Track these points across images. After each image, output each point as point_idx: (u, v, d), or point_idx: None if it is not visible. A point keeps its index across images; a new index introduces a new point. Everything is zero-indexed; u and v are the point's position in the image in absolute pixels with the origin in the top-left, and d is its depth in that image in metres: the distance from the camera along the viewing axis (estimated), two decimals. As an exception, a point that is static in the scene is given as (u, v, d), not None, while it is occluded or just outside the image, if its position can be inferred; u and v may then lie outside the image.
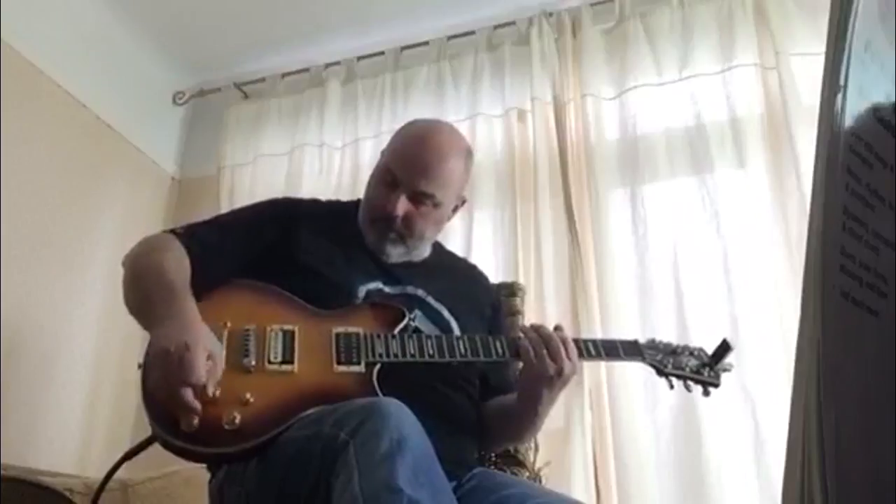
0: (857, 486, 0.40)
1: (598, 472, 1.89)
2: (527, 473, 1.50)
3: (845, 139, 0.44)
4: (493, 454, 1.50)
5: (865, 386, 0.43)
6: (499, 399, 1.37)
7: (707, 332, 1.91)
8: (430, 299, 1.34)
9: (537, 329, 1.23)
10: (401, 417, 0.92)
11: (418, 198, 1.32)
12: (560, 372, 1.19)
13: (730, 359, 1.33)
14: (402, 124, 1.50)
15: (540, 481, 1.51)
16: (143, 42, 2.76)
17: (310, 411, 1.05)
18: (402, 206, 1.31)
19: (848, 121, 0.44)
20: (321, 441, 0.94)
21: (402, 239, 1.34)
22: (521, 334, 1.23)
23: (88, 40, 2.57)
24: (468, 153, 1.41)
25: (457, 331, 1.33)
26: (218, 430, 1.02)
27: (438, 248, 1.51)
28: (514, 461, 1.51)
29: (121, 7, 2.61)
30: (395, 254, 1.36)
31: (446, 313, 1.34)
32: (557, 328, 1.24)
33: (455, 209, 1.43)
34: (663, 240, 2.09)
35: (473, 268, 1.59)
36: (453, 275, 1.48)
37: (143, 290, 1.17)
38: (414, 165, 1.32)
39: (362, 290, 1.28)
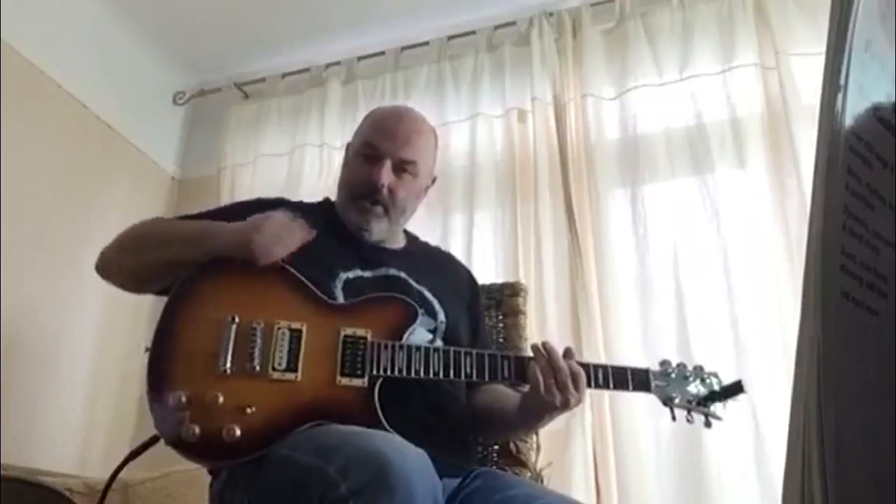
0: (857, 486, 0.40)
1: (598, 473, 1.89)
2: (528, 473, 1.50)
3: (846, 139, 0.44)
4: (494, 455, 1.50)
5: (865, 386, 0.43)
6: (490, 394, 1.36)
7: (707, 332, 1.92)
8: (411, 280, 1.34)
9: (550, 355, 1.19)
10: (409, 495, 0.87)
11: (401, 166, 1.35)
12: (566, 403, 1.18)
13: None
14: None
15: (542, 482, 1.51)
16: (143, 42, 2.76)
17: (308, 425, 1.06)
18: (387, 175, 1.34)
19: (848, 120, 0.44)
20: (324, 482, 0.91)
21: (385, 212, 1.36)
22: (532, 355, 1.20)
23: (88, 40, 2.57)
24: (436, 134, 1.49)
25: (441, 312, 1.34)
26: (217, 442, 1.04)
27: (412, 237, 1.53)
28: (517, 461, 1.51)
29: (121, 7, 2.61)
30: (378, 230, 1.37)
31: (428, 294, 1.35)
32: (567, 354, 1.21)
33: (426, 188, 1.47)
34: (663, 240, 2.09)
35: (447, 253, 1.63)
36: (431, 259, 1.50)
37: (157, 238, 1.25)
38: (395, 135, 1.36)
39: (341, 279, 1.28)
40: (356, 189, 1.36)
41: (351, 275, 1.30)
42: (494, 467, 1.45)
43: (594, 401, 1.97)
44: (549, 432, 1.77)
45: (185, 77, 2.98)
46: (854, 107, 0.44)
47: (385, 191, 1.33)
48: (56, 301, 2.28)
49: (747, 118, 2.16)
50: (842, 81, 0.44)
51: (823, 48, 0.46)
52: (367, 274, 1.32)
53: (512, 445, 1.51)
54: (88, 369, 2.34)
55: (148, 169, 2.78)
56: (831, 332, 0.41)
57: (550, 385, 1.16)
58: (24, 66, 2.26)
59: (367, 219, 1.35)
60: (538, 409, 1.21)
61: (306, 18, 2.67)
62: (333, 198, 1.49)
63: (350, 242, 1.37)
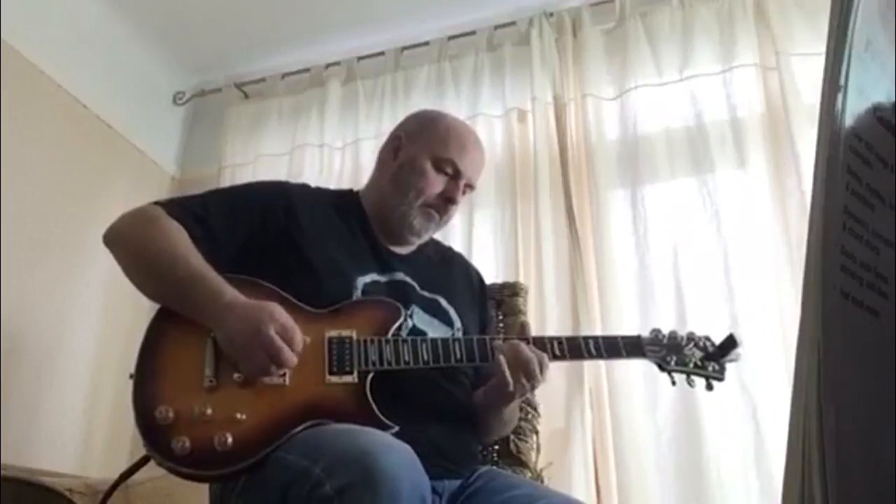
0: (857, 486, 0.40)
1: (598, 472, 1.90)
2: (529, 473, 1.50)
3: (845, 139, 0.44)
4: (494, 454, 1.50)
5: (865, 386, 0.43)
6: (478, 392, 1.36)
7: (707, 332, 1.92)
8: (417, 287, 1.34)
9: (516, 352, 1.18)
10: (394, 492, 0.87)
11: (466, 189, 1.42)
12: (533, 388, 1.20)
13: (736, 352, 1.28)
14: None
15: (542, 481, 1.51)
16: (143, 42, 2.76)
17: (301, 427, 1.05)
18: (461, 194, 1.41)
19: (848, 120, 0.44)
20: (310, 481, 0.91)
21: (440, 222, 1.41)
22: (500, 356, 1.18)
23: (88, 40, 2.57)
24: None
25: (456, 319, 1.34)
26: (210, 452, 1.03)
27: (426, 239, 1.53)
28: (517, 461, 1.51)
29: (121, 7, 2.61)
30: (425, 234, 1.43)
31: (444, 303, 1.35)
32: (522, 329, 1.24)
33: None
34: (663, 240, 2.09)
35: (457, 253, 1.63)
36: (441, 263, 1.50)
37: (166, 280, 1.16)
38: (475, 162, 1.43)
39: (360, 283, 1.28)
40: (431, 198, 1.38)
41: (368, 279, 1.29)
42: (495, 467, 1.45)
43: (594, 400, 1.97)
44: (548, 432, 1.78)
45: (185, 77, 2.98)
46: (854, 107, 0.44)
47: (452, 208, 1.41)
48: (56, 301, 2.27)
49: (747, 118, 2.16)
50: (842, 81, 0.44)
51: (823, 48, 0.46)
52: (383, 278, 1.32)
53: (512, 445, 1.51)
54: (88, 369, 2.34)
55: (148, 169, 2.78)
56: (831, 332, 0.41)
57: (519, 378, 1.17)
58: (24, 66, 2.26)
59: (428, 226, 1.40)
60: (506, 399, 1.24)
61: (306, 18, 2.67)
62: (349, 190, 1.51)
63: (368, 242, 1.37)
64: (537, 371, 1.17)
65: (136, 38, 2.73)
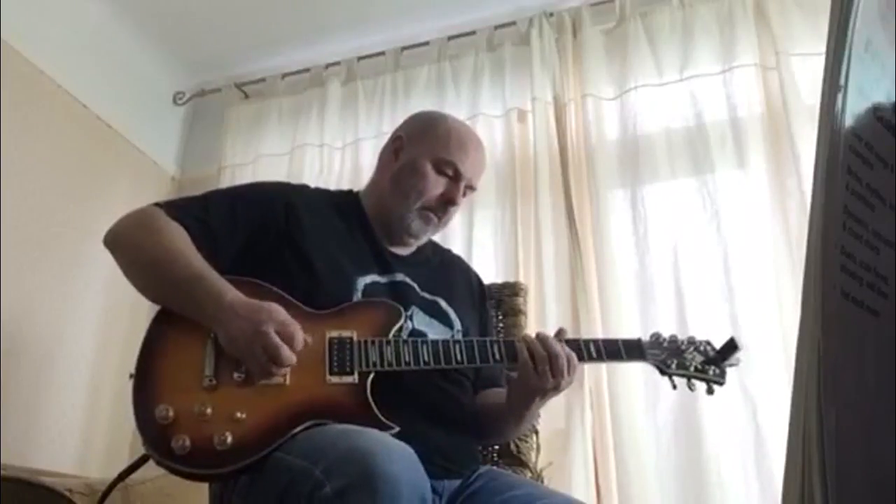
0: (857, 486, 0.40)
1: (598, 473, 1.89)
2: (529, 473, 1.50)
3: (846, 139, 0.44)
4: (494, 454, 1.50)
5: (865, 386, 0.43)
6: (487, 393, 1.37)
7: (707, 333, 1.92)
8: (417, 288, 1.34)
9: (545, 343, 1.19)
10: (394, 493, 0.87)
11: (467, 191, 1.42)
12: (557, 386, 1.18)
13: (737, 356, 1.29)
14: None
15: (542, 481, 1.52)
16: (143, 42, 2.76)
17: (301, 427, 1.05)
18: (461, 196, 1.40)
19: (848, 120, 0.44)
20: (310, 483, 0.91)
21: (437, 223, 1.41)
22: (525, 343, 1.19)
23: (88, 40, 2.57)
24: None
25: (456, 321, 1.34)
26: (209, 450, 1.02)
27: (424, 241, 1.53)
28: (518, 461, 1.51)
29: (121, 7, 2.61)
30: (423, 237, 1.43)
31: (444, 304, 1.35)
32: (560, 334, 1.22)
33: None
34: (663, 240, 2.09)
35: (456, 256, 1.62)
36: (441, 265, 1.50)
37: (167, 281, 1.17)
38: (476, 163, 1.42)
39: (360, 284, 1.28)
40: (429, 201, 1.37)
41: (368, 280, 1.30)
42: (495, 467, 1.45)
43: (594, 400, 1.97)
44: (548, 432, 1.78)
45: (185, 77, 2.98)
46: (854, 107, 0.44)
47: (452, 210, 1.40)
48: (56, 301, 2.27)
49: (747, 118, 2.16)
50: (842, 81, 0.44)
51: (823, 48, 0.46)
52: (383, 279, 1.32)
53: (512, 445, 1.51)
54: (88, 369, 2.34)
55: (148, 169, 2.78)
56: (831, 332, 0.41)
57: (545, 370, 1.16)
58: (24, 66, 2.26)
59: (427, 228, 1.39)
60: (529, 394, 1.21)
61: (306, 18, 2.67)
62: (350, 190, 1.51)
63: (368, 243, 1.37)
64: (564, 368, 1.16)
65: (136, 39, 2.73)
